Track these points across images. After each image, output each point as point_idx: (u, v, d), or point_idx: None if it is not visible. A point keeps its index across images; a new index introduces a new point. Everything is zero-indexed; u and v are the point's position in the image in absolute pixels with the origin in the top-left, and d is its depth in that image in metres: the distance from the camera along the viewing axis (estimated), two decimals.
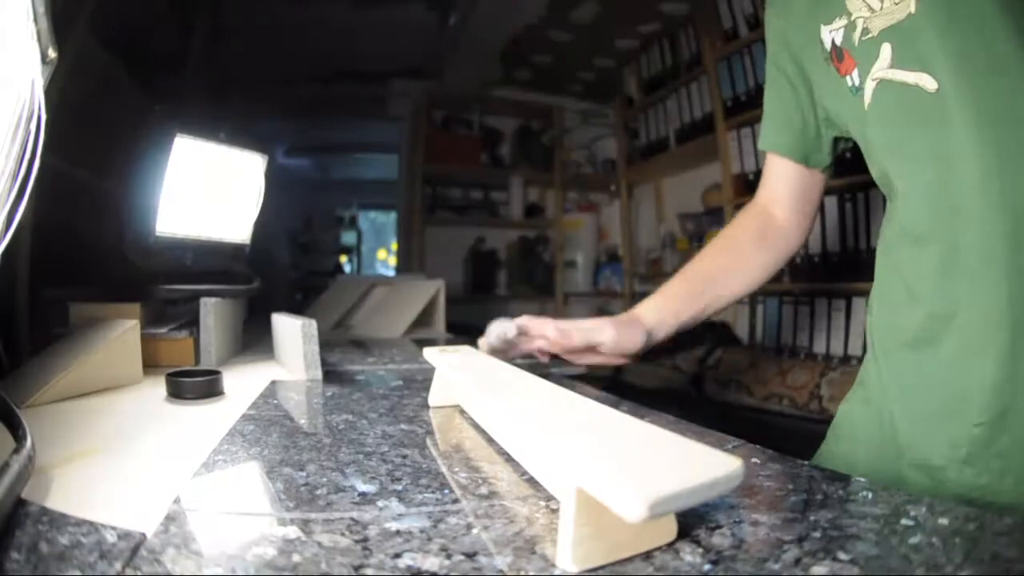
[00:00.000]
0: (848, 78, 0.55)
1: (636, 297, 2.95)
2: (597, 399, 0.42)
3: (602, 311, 3.11)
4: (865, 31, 0.53)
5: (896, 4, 0.50)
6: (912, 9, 0.49)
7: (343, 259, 5.00)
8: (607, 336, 0.63)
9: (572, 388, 0.49)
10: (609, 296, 3.06)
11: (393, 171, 3.50)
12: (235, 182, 0.99)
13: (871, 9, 0.52)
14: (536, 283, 3.11)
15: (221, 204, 0.98)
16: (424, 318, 1.47)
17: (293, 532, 0.29)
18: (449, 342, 1.32)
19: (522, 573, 0.25)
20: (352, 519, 0.30)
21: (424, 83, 2.92)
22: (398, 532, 0.29)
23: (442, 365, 0.56)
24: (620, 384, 2.25)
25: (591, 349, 0.65)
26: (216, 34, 1.92)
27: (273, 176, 1.04)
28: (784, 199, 0.70)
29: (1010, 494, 0.47)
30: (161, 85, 1.41)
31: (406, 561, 0.26)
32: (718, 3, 2.13)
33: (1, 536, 0.27)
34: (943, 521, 0.30)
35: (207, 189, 0.94)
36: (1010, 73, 0.46)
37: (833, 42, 0.57)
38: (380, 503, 0.33)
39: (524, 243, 3.15)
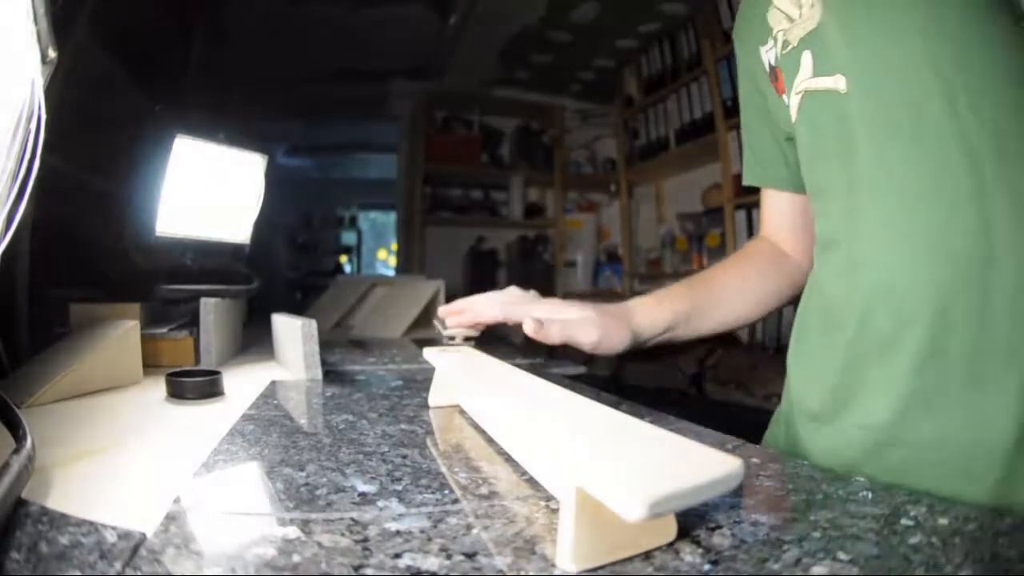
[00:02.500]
0: (784, 96, 0.55)
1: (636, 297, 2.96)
2: (597, 399, 0.42)
3: None
4: (786, 43, 0.53)
5: (812, 8, 0.49)
6: (820, 10, 0.49)
7: (343, 259, 5.01)
8: (590, 340, 0.57)
9: (572, 388, 0.49)
10: (609, 296, 3.06)
11: (393, 171, 3.50)
12: (235, 182, 0.99)
13: (789, 19, 0.52)
14: (536, 283, 3.10)
15: (221, 204, 0.98)
16: (424, 318, 1.46)
17: (293, 532, 0.29)
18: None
19: (522, 573, 0.25)
20: (352, 519, 0.30)
21: (424, 83, 2.92)
22: (398, 532, 0.29)
23: (442, 365, 0.56)
24: (620, 384, 2.25)
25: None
26: (216, 34, 1.92)
27: (273, 176, 1.04)
28: (787, 231, 0.67)
29: (922, 468, 0.45)
30: (161, 85, 1.41)
31: (406, 561, 0.26)
32: (718, 3, 2.14)
33: (1, 536, 0.27)
34: (943, 521, 0.30)
35: (207, 189, 0.94)
36: (914, 70, 0.45)
37: (769, 62, 0.57)
38: (380, 503, 0.33)
39: (524, 243, 3.15)
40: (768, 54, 0.57)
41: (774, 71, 0.56)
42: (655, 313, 0.62)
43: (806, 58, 0.51)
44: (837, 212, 0.52)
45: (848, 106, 0.48)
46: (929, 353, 0.45)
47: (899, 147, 0.46)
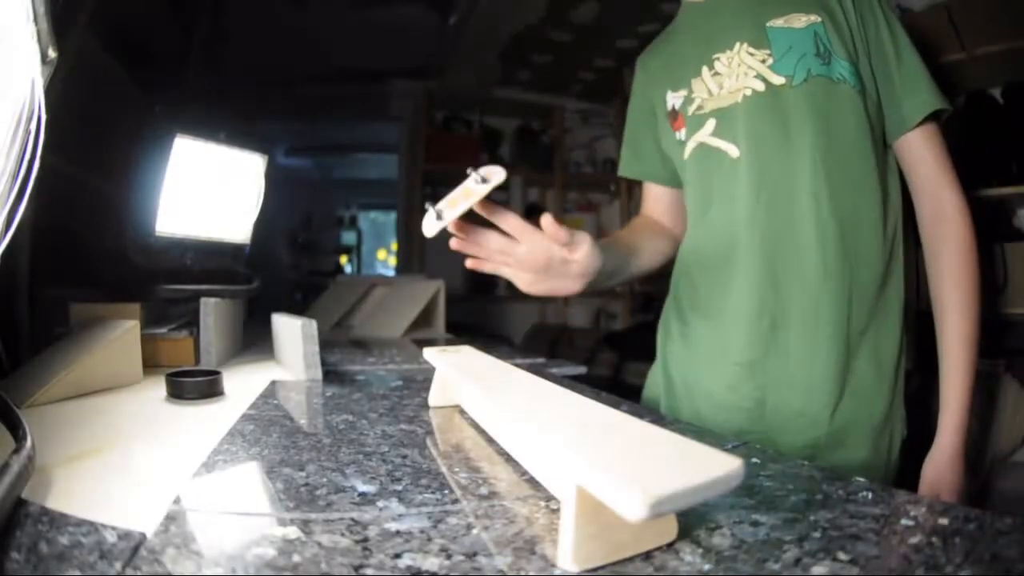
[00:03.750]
0: (678, 133, 0.76)
1: (636, 297, 2.96)
2: (597, 399, 0.42)
3: (601, 311, 3.12)
4: (699, 107, 0.73)
5: (730, 93, 0.70)
6: (739, 100, 0.69)
7: (343, 259, 5.00)
8: (587, 243, 0.59)
9: (572, 388, 0.49)
10: (609, 296, 3.06)
11: (393, 171, 3.50)
12: (235, 182, 0.99)
13: (710, 94, 0.72)
14: None
15: (221, 204, 0.98)
16: (424, 318, 1.47)
17: (293, 532, 0.29)
18: (449, 342, 1.32)
19: (522, 573, 0.25)
20: (352, 519, 0.30)
21: (424, 83, 2.92)
22: (398, 532, 0.29)
23: (442, 365, 0.56)
24: (620, 384, 2.25)
25: (557, 263, 0.58)
26: (216, 34, 1.92)
27: (273, 176, 1.04)
28: (660, 215, 0.86)
29: (770, 418, 0.68)
30: (161, 85, 1.41)
31: (406, 561, 0.26)
32: None
33: (1, 536, 0.27)
34: (943, 521, 0.30)
35: (207, 189, 0.94)
36: (793, 144, 0.66)
37: (673, 106, 0.77)
38: (380, 503, 0.33)
39: None
40: (674, 99, 0.76)
41: (675, 113, 0.76)
42: (610, 256, 0.67)
43: (710, 123, 0.72)
44: (718, 232, 0.72)
45: (737, 168, 0.69)
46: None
47: (770, 206, 0.67)
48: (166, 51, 1.55)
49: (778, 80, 0.67)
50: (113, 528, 0.28)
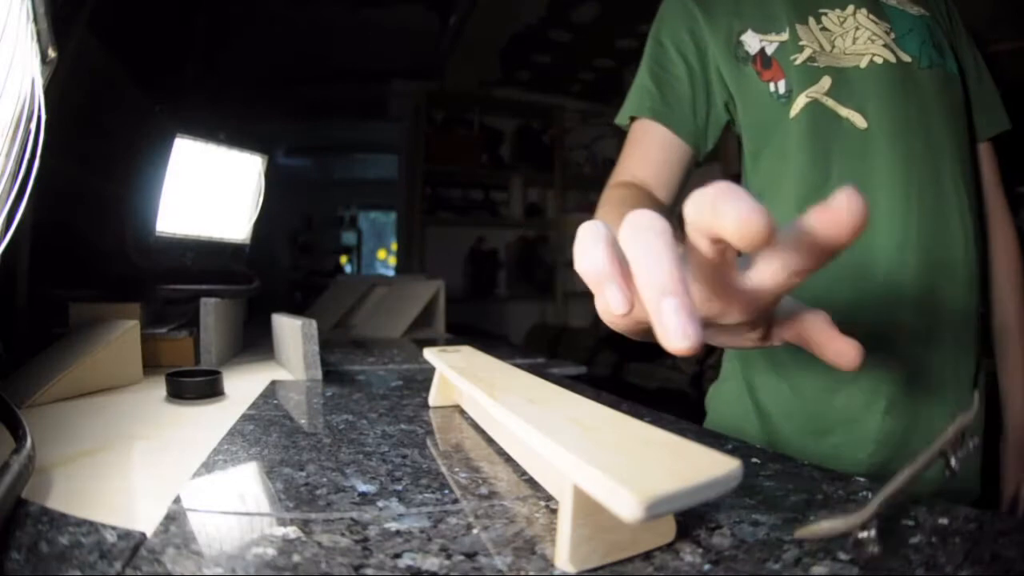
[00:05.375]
0: (772, 84, 0.63)
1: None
2: (597, 399, 0.42)
3: None
4: (810, 59, 0.62)
5: (846, 55, 0.61)
6: (862, 65, 0.60)
7: (343, 259, 5.01)
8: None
9: (572, 388, 0.48)
10: None
11: (393, 171, 3.51)
12: (235, 182, 0.99)
13: (822, 47, 0.62)
14: (536, 283, 3.11)
15: (221, 204, 0.98)
16: (424, 318, 1.47)
17: (293, 532, 0.29)
18: (449, 342, 1.32)
19: (522, 573, 0.25)
20: (352, 519, 0.30)
21: (424, 83, 2.92)
22: (398, 532, 0.29)
23: (442, 365, 0.56)
24: (620, 384, 2.26)
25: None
26: (217, 34, 1.92)
27: (273, 176, 1.04)
28: (650, 180, 0.66)
29: (916, 444, 0.57)
30: (161, 85, 1.41)
31: (406, 561, 0.26)
32: None
33: (1, 536, 0.27)
34: (943, 521, 0.30)
35: (207, 189, 0.94)
36: (933, 128, 0.59)
37: (763, 50, 0.64)
38: (380, 503, 0.33)
39: (524, 243, 3.15)
40: (764, 42, 0.64)
41: (767, 59, 0.63)
42: None
43: (826, 80, 0.61)
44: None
45: (869, 142, 0.59)
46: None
47: (921, 196, 0.58)
48: (166, 51, 1.55)
49: (906, 57, 0.61)
50: (113, 528, 0.28)
